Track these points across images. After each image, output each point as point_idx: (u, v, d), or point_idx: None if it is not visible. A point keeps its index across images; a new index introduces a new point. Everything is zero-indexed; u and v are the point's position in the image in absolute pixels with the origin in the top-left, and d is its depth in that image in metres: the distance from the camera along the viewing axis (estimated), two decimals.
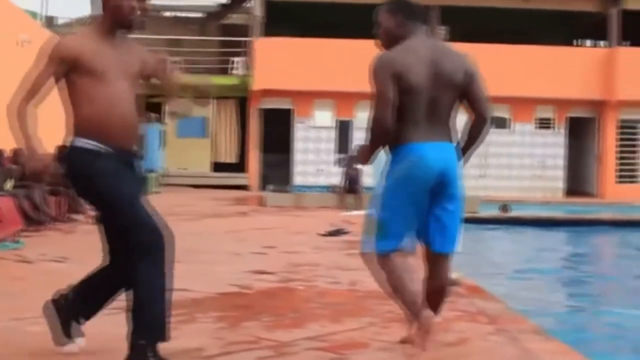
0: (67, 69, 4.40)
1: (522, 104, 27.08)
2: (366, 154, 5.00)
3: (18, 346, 5.02)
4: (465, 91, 4.89)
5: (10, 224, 11.07)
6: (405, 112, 4.76)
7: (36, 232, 11.80)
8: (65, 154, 4.49)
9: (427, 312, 4.62)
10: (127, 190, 4.42)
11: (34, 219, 12.25)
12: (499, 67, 25.63)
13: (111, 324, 4.96)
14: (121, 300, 4.64)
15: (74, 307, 4.81)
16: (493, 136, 26.78)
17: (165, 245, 4.43)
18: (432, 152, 4.76)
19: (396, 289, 4.82)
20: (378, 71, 4.77)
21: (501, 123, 27.22)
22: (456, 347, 5.21)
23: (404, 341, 5.10)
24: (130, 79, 4.58)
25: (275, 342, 5.22)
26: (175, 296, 6.80)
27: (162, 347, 4.52)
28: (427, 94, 4.76)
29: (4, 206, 10.88)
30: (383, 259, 4.84)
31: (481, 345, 5.27)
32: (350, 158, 20.18)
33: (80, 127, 4.45)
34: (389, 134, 4.78)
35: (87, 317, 4.88)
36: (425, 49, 4.84)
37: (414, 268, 4.88)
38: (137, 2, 4.51)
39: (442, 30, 30.68)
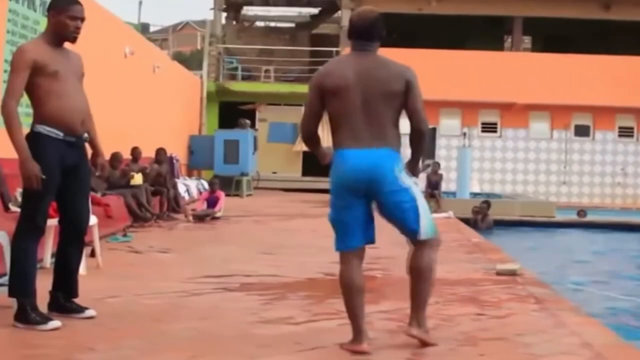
0: (31, 71, 5.46)
1: (603, 113, 27.22)
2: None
3: (138, 313, 6.09)
4: (403, 101, 5.01)
5: (119, 220, 12.20)
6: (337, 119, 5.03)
7: (141, 228, 12.84)
8: (28, 137, 5.48)
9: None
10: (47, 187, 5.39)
11: (139, 216, 13.38)
12: (580, 76, 26.05)
13: None
14: None
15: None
16: (575, 144, 27.20)
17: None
18: (356, 159, 5.05)
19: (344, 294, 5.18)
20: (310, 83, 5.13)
21: (583, 131, 27.47)
22: (503, 319, 6.09)
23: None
24: (78, 78, 5.72)
25: None
26: (270, 280, 7.90)
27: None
28: (356, 100, 4.93)
29: (114, 204, 11.96)
30: (341, 257, 5.23)
31: (524, 318, 6.11)
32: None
33: (40, 116, 5.54)
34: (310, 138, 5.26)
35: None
36: (357, 59, 5.05)
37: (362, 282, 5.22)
38: (77, 22, 5.61)
39: (525, 40, 31.18)
